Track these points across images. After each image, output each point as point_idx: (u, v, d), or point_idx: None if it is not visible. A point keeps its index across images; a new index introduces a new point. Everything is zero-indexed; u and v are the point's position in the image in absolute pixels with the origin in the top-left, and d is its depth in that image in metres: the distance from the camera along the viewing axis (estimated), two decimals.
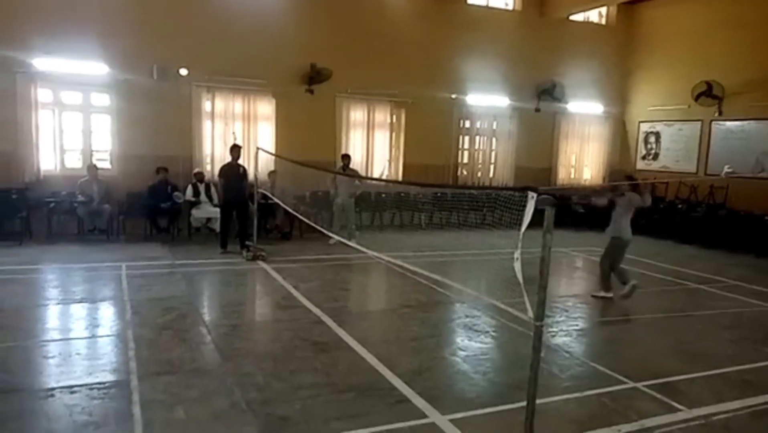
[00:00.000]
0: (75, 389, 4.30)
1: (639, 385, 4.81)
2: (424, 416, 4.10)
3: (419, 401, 4.30)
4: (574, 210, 14.35)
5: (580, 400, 4.53)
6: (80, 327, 5.85)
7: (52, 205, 10.06)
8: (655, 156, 14.82)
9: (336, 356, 5.24)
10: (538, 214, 3.25)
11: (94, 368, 4.74)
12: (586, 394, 4.62)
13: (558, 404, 4.44)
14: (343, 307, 7.01)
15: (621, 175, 8.44)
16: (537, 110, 14.39)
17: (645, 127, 15.07)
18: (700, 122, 13.69)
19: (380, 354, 5.22)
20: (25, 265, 8.16)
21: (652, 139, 14.88)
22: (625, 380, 4.91)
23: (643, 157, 15.11)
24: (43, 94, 10.29)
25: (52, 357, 4.95)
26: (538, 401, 3.77)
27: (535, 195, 3.10)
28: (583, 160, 15.55)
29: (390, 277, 8.83)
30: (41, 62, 10.02)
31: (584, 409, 4.38)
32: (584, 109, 15.04)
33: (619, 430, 4.02)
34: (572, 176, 15.45)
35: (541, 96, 14.33)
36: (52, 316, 6.21)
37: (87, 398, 4.17)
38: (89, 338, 5.53)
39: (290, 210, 9.93)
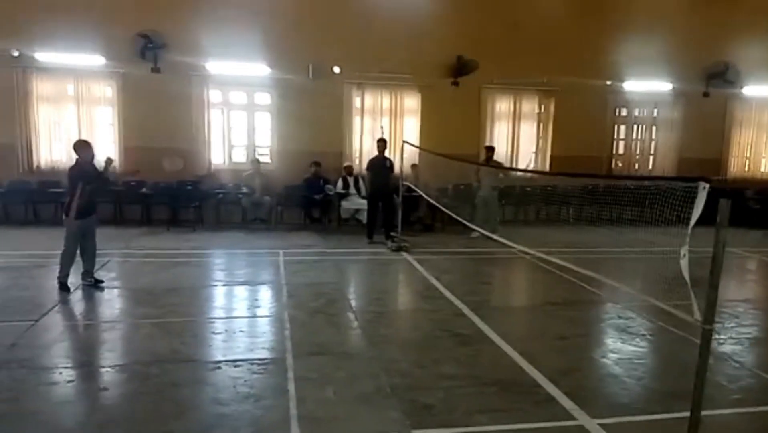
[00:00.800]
0: (238, 363, 4.71)
1: None
2: (572, 417, 3.92)
3: (566, 402, 4.13)
4: (749, 206, 12.87)
5: (751, 415, 4.06)
6: (243, 307, 6.41)
7: (220, 196, 11.13)
8: None
9: (478, 349, 5.20)
10: (706, 210, 2.93)
11: (255, 345, 5.16)
12: (760, 409, 4.13)
13: (725, 417, 4.02)
14: (485, 300, 6.94)
15: None
16: (705, 95, 13.08)
17: None
18: None
19: (524, 350, 5.09)
20: (198, 249, 9.09)
21: None
22: None
23: None
24: (213, 95, 11.38)
25: (219, 333, 5.46)
26: (702, 413, 3.45)
27: (707, 186, 2.80)
28: (760, 151, 13.85)
29: (534, 273, 8.56)
30: (212, 65, 11.07)
31: (755, 425, 3.93)
32: (763, 93, 13.36)
33: None
34: (746, 169, 13.83)
35: (711, 79, 12.99)
36: (219, 296, 6.85)
37: (248, 372, 4.54)
38: (250, 317, 6.02)
39: (433, 202, 10.00)
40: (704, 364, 2.91)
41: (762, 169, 13.91)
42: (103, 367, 4.67)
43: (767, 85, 13.32)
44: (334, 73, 11.48)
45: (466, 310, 6.29)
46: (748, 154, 13.84)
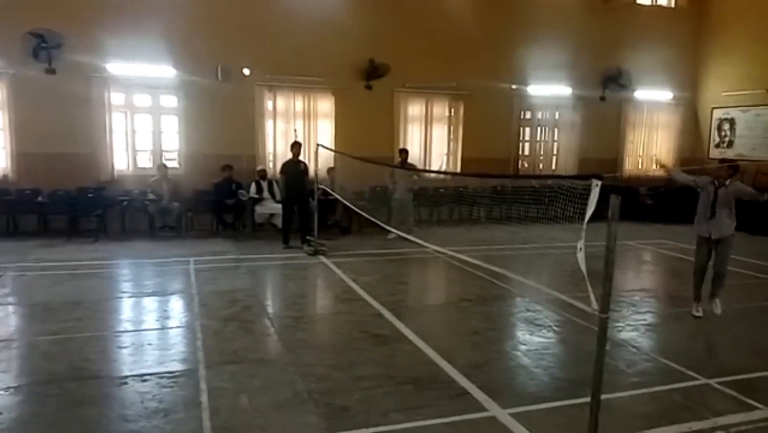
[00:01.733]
0: (146, 377, 4.50)
1: (712, 382, 4.58)
2: (484, 409, 4.05)
3: (479, 394, 4.26)
4: (643, 202, 13.84)
5: (648, 396, 4.36)
6: (151, 319, 6.12)
7: (125, 203, 10.58)
8: (730, 144, 14.04)
9: (395, 349, 5.26)
10: (603, 206, 3.10)
11: (165, 357, 4.95)
12: (655, 390, 4.44)
13: (624, 400, 4.29)
14: (402, 300, 7.03)
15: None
16: (602, 99, 13.93)
17: (718, 114, 14.30)
18: None
19: (439, 347, 5.20)
20: (101, 260, 8.60)
21: (726, 126, 14.11)
22: (696, 376, 4.69)
23: (717, 146, 14.35)
24: (115, 98, 10.81)
25: (126, 347, 5.20)
26: (603, 397, 3.64)
27: (599, 183, 2.98)
28: (651, 150, 14.93)
29: (449, 271, 8.78)
30: (114, 66, 10.53)
31: (653, 405, 4.22)
32: (653, 96, 14.44)
33: (689, 427, 3.84)
34: (640, 167, 14.85)
35: (607, 84, 13.86)
36: (126, 308, 6.52)
37: (157, 386, 4.35)
38: (160, 329, 5.77)
39: (350, 205, 10.02)
40: (602, 350, 3.08)
41: (653, 168, 14.97)
42: None
43: (656, 89, 14.37)
44: (244, 75, 11.23)
45: (383, 311, 6.35)
46: (641, 153, 14.86)
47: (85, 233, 10.26)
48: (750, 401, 4.25)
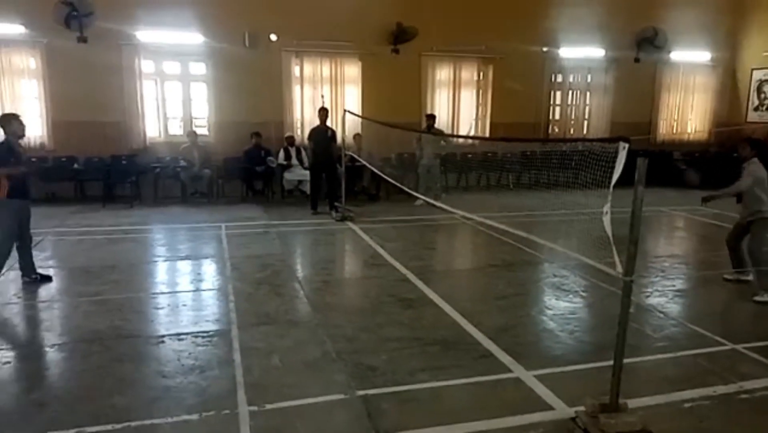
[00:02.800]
0: (182, 336, 4.69)
1: (739, 347, 4.56)
2: (509, 370, 4.12)
3: (504, 357, 4.33)
4: (677, 167, 13.54)
5: (673, 360, 4.38)
6: (186, 281, 6.33)
7: (157, 170, 10.81)
8: None
9: (421, 312, 5.35)
10: (635, 171, 3.07)
11: (199, 318, 5.13)
12: (680, 354, 4.45)
13: (649, 363, 4.32)
14: (429, 266, 7.09)
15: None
16: (636, 60, 13.53)
17: (758, 75, 13.79)
18: None
19: (465, 311, 5.27)
20: (136, 225, 8.86)
21: (767, 87, 13.60)
22: (724, 341, 4.67)
23: (756, 109, 13.88)
24: (146, 65, 10.94)
25: (162, 308, 5.40)
26: (628, 360, 3.68)
27: (626, 145, 2.96)
28: (687, 114, 14.52)
29: (476, 237, 8.80)
30: (143, 34, 10.63)
31: (677, 369, 4.23)
32: (689, 57, 13.97)
33: (714, 391, 3.85)
34: (675, 131, 14.48)
35: (641, 45, 13.44)
36: (161, 271, 6.74)
37: (193, 344, 4.53)
38: (194, 291, 5.97)
39: (377, 172, 10.06)
40: (625, 313, 3.10)
41: (689, 131, 14.59)
42: (41, 346, 4.54)
43: (693, 50, 13.89)
44: (271, 41, 11.23)
45: (410, 275, 6.43)
46: (676, 117, 14.47)
47: (120, 199, 10.56)
48: None
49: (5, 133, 5.84)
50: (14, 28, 10.15)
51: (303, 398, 3.70)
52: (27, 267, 6.02)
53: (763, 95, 13.73)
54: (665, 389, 3.88)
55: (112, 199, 10.53)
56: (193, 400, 3.68)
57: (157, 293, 5.86)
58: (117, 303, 5.44)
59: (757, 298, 5.67)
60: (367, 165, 10.31)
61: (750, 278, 5.98)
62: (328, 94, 11.76)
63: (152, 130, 11.27)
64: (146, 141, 11.11)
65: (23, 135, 5.99)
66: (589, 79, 13.59)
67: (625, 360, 3.36)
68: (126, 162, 10.76)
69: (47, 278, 6.10)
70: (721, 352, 4.52)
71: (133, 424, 3.40)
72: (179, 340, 4.62)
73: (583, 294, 5.95)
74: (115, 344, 4.53)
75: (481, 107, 13.05)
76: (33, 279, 6.01)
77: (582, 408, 3.34)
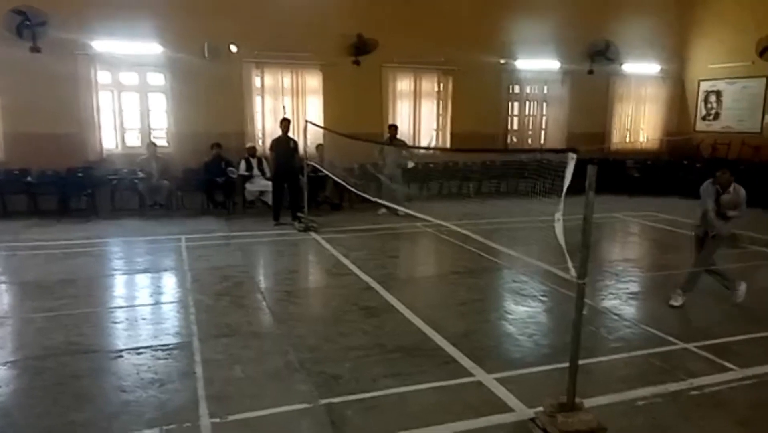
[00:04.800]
0: (141, 350, 4.61)
1: (690, 346, 4.75)
2: (470, 374, 4.20)
3: (466, 361, 4.40)
4: (630, 175, 13.99)
5: (627, 360, 4.53)
6: (145, 295, 6.22)
7: (114, 182, 10.58)
8: (716, 116, 14.16)
9: (385, 320, 5.38)
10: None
11: (159, 331, 5.06)
12: (634, 354, 4.61)
13: (604, 364, 4.46)
14: (392, 274, 7.14)
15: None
16: (590, 72, 13.95)
17: (705, 86, 14.40)
18: (765, 78, 12.96)
19: (428, 318, 5.34)
20: (93, 239, 8.66)
21: (713, 98, 14.21)
22: (675, 341, 4.86)
23: (704, 118, 14.47)
24: (102, 76, 10.74)
25: (120, 322, 5.29)
26: (584, 361, 3.83)
27: (575, 156, 3.08)
28: (639, 124, 15.03)
29: (438, 245, 8.90)
30: (99, 44, 10.44)
31: (631, 369, 4.38)
32: (640, 69, 14.49)
33: (666, 389, 4.00)
34: (628, 140, 14.96)
35: (594, 57, 13.88)
36: (119, 285, 6.60)
37: (152, 358, 4.47)
38: (153, 304, 5.87)
39: (340, 181, 10.09)
40: (579, 315, 3.21)
41: (641, 141, 15.10)
42: None
43: (644, 62, 14.42)
44: (231, 52, 11.18)
45: (373, 284, 6.47)
46: (628, 127, 14.96)
47: (76, 212, 10.30)
48: (725, 363, 4.42)
49: None
50: None
51: (266, 409, 3.69)
52: None
53: (710, 105, 14.33)
54: (620, 388, 4.01)
55: (67, 212, 10.26)
56: (154, 414, 3.63)
57: (115, 307, 5.74)
58: (73, 318, 5.31)
59: (673, 302, 5.75)
60: (330, 175, 10.33)
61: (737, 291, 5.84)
62: (289, 104, 11.76)
63: (109, 141, 11.05)
64: (103, 153, 10.88)
65: None
66: (545, 91, 13.95)
67: (582, 361, 3.47)
68: (82, 174, 10.50)
69: None
70: (672, 351, 4.70)
71: None
72: (138, 354, 4.54)
73: (542, 299, 6.09)
74: (72, 360, 4.42)
75: (441, 118, 13.24)
76: None
77: (541, 409, 3.43)
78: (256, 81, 11.61)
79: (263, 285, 6.60)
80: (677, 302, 5.79)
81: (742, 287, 5.82)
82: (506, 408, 3.72)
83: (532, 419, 3.41)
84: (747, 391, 4.03)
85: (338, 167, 11.05)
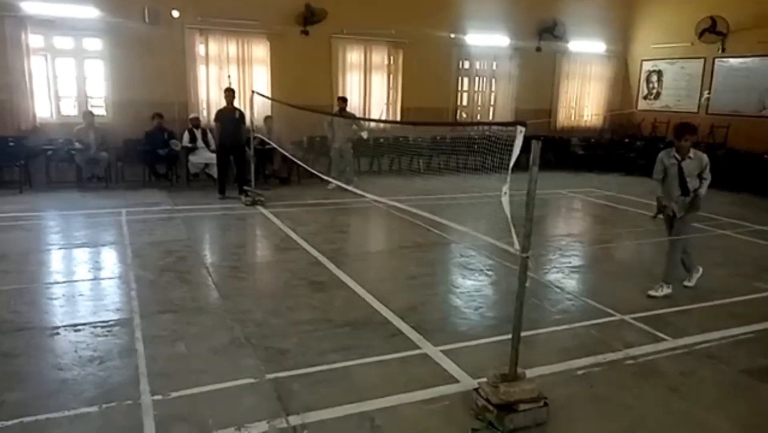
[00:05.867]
0: (79, 327, 4.45)
1: (627, 317, 4.94)
2: (417, 347, 4.25)
3: (413, 334, 4.45)
4: (574, 152, 14.35)
5: (567, 331, 4.68)
6: (83, 270, 5.98)
7: (49, 153, 10.06)
8: (657, 95, 14.62)
9: (333, 295, 5.37)
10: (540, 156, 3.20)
11: (98, 308, 4.88)
12: (574, 326, 4.76)
13: (546, 335, 4.60)
14: (341, 249, 7.12)
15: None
16: (538, 50, 14.13)
17: (647, 66, 14.81)
18: (703, 60, 13.43)
19: (376, 292, 5.35)
20: (27, 212, 8.25)
21: (654, 78, 14.65)
22: (613, 313, 5.04)
23: (645, 97, 14.92)
24: (34, 40, 10.11)
25: (57, 298, 5.09)
26: (527, 333, 3.93)
27: (523, 129, 3.10)
28: (584, 102, 15.37)
29: (388, 220, 8.91)
30: (30, 5, 9.81)
31: (571, 340, 4.53)
32: (586, 48, 14.75)
33: (604, 358, 4.16)
34: (573, 118, 15.29)
35: (542, 35, 14.04)
36: (56, 260, 6.33)
37: (91, 335, 4.32)
38: (92, 280, 5.66)
39: (288, 155, 9.92)
40: (522, 288, 3.28)
41: (585, 118, 15.46)
42: None
43: (590, 41, 14.69)
44: (173, 18, 10.72)
45: (322, 258, 6.43)
46: (574, 105, 15.28)
47: (8, 184, 9.77)
48: (659, 334, 4.63)
49: None
50: None
51: (211, 384, 3.63)
52: None
53: (651, 85, 14.76)
54: (561, 358, 4.14)
55: None
56: (93, 392, 3.52)
57: (52, 283, 5.51)
58: (6, 295, 5.07)
59: (652, 292, 5.48)
60: (278, 148, 10.14)
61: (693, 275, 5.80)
62: (235, 74, 11.40)
63: (43, 110, 10.46)
64: (36, 121, 10.29)
65: None
66: (494, 67, 14.04)
67: (524, 333, 3.55)
68: (14, 144, 9.92)
69: None
70: (610, 322, 4.88)
71: (26, 420, 3.21)
72: (76, 331, 4.38)
73: (488, 273, 6.20)
74: (4, 338, 4.23)
75: (392, 92, 13.15)
76: None
77: (484, 380, 3.50)
78: (200, 49, 11.18)
79: (208, 260, 6.47)
80: (658, 292, 5.48)
81: (699, 272, 5.78)
82: (451, 379, 3.79)
83: (476, 390, 3.48)
84: (679, 360, 4.23)
85: (286, 140, 10.88)
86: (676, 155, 5.45)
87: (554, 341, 4.51)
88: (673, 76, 14.19)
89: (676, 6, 13.94)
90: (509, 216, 3.19)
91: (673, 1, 14.06)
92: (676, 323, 4.89)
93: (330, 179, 9.06)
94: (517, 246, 3.22)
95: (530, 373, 3.59)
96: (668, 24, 14.17)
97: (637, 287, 5.74)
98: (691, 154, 5.42)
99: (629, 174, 13.14)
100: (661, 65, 14.47)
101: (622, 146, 14.30)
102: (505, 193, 3.20)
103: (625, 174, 13.24)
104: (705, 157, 5.50)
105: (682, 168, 5.42)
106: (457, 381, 3.77)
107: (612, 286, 5.96)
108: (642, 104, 14.98)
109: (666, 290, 5.51)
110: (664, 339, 4.53)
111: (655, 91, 14.68)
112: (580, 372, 3.98)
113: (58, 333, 4.35)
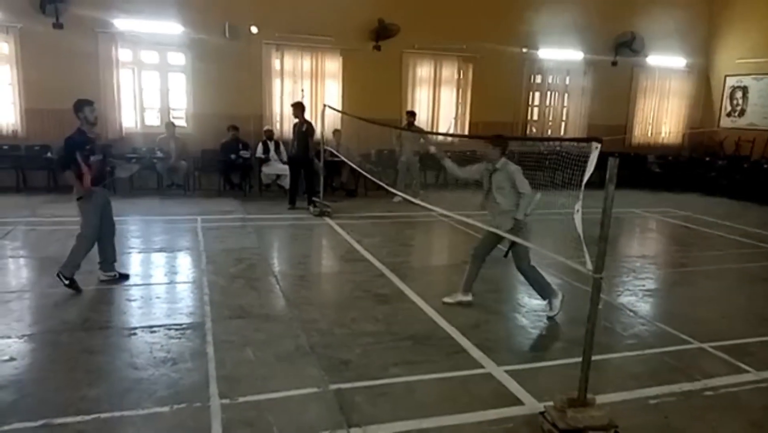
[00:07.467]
0: (155, 328, 4.65)
1: (705, 345, 4.68)
2: (480, 366, 4.18)
3: (475, 352, 4.38)
4: (651, 170, 13.79)
5: (640, 358, 4.47)
6: (160, 274, 6.27)
7: (133, 161, 10.63)
8: (742, 113, 13.87)
9: (396, 308, 5.37)
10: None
11: (172, 310, 5.10)
12: (648, 352, 4.55)
13: (618, 360, 4.41)
14: (405, 262, 7.12)
15: None
16: (614, 64, 13.73)
17: (731, 82, 14.09)
18: None
19: (439, 307, 5.32)
20: None
21: (739, 94, 13.91)
22: (690, 340, 4.79)
23: (728, 114, 14.18)
24: (123, 54, 10.77)
25: (134, 300, 5.35)
26: (598, 357, 3.77)
27: (599, 145, 3.01)
28: (661, 118, 14.77)
29: (453, 234, 8.86)
30: (121, 22, 10.46)
31: (644, 366, 4.32)
32: (665, 62, 14.21)
33: (680, 388, 3.95)
34: (650, 135, 14.72)
35: (619, 49, 13.64)
36: (135, 263, 6.65)
37: (165, 337, 4.50)
38: (168, 283, 5.92)
39: (356, 167, 10.06)
40: (594, 310, 3.16)
41: (663, 135, 14.85)
42: (9, 337, 4.46)
43: (669, 55, 14.13)
44: (251, 34, 11.15)
45: (386, 271, 6.46)
46: (651, 121, 14.71)
47: None
48: (741, 365, 4.35)
49: (78, 119, 5.73)
50: None
51: (276, 391, 3.70)
52: (106, 262, 5.81)
53: (735, 101, 14.03)
54: (632, 386, 3.96)
55: None
56: (165, 392, 3.66)
57: (131, 285, 5.79)
58: (89, 295, 5.38)
59: (551, 313, 5.16)
60: (346, 161, 10.30)
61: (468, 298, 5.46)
62: (308, 88, 11.71)
63: (129, 120, 11.11)
64: (122, 131, 10.95)
65: (95, 122, 5.83)
66: (567, 81, 13.74)
67: (595, 357, 3.42)
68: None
69: (125, 276, 5.89)
70: (687, 350, 4.63)
71: (102, 416, 3.37)
72: (152, 332, 4.58)
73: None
74: (86, 335, 4.48)
75: (460, 106, 13.11)
76: (112, 277, 5.80)
77: (551, 403, 3.40)
78: (276, 63, 11.57)
79: (277, 268, 6.62)
80: (452, 299, 5.39)
81: (557, 300, 5.19)
82: (515, 401, 3.70)
83: (542, 413, 3.38)
84: (763, 394, 3.96)
85: (354, 153, 11.03)
86: (489, 165, 5.17)
87: (626, 367, 4.32)
88: (760, 92, 13.43)
89: (762, 20, 13.21)
90: (581, 234, 3.10)
91: (759, 15, 13.33)
92: (759, 354, 4.59)
93: (396, 192, 9.10)
94: (589, 266, 3.12)
95: (600, 399, 3.46)
96: (754, 38, 13.44)
97: (717, 314, 5.42)
98: (498, 164, 5.18)
99: (709, 195, 12.50)
100: (746, 81, 13.73)
101: (702, 165, 13.63)
102: (578, 210, 3.11)
103: (704, 194, 12.60)
104: (513, 168, 5.24)
105: (491, 180, 5.09)
106: (521, 403, 3.67)
107: (689, 312, 5.65)
108: (725, 122, 14.24)
109: (456, 299, 5.31)
110: (746, 371, 4.26)
111: (739, 108, 13.93)
112: (653, 401, 3.79)
113: (135, 333, 4.56)
